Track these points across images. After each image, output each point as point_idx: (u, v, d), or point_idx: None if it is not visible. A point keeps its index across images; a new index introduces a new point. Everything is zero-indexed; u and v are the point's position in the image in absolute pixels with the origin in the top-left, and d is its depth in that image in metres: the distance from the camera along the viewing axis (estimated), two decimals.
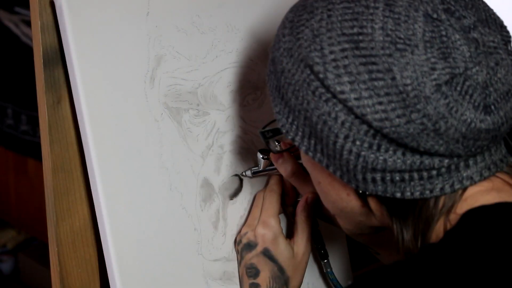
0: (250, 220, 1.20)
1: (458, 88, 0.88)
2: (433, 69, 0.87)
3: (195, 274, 1.16)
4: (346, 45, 0.89)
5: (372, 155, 0.90)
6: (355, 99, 0.88)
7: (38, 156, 2.60)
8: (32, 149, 2.78)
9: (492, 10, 0.93)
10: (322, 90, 0.90)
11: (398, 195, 0.92)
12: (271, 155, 1.17)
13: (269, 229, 1.16)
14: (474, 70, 0.88)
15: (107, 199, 1.07)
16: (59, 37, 1.07)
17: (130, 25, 1.10)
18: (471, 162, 0.92)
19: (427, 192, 0.92)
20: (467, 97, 0.88)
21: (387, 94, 0.88)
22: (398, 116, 0.88)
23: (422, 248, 0.93)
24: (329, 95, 0.90)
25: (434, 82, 0.87)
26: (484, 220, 0.91)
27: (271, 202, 1.18)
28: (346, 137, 0.90)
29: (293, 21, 0.95)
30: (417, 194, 0.92)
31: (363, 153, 0.90)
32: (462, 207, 0.93)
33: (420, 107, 0.87)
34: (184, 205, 1.15)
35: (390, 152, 0.90)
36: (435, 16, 0.89)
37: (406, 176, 0.91)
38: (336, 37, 0.90)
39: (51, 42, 1.07)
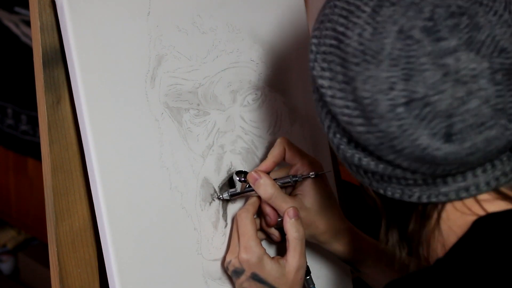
0: (231, 247, 1.17)
1: (415, 112, 0.84)
2: (391, 88, 0.84)
3: (195, 273, 1.16)
4: (334, 42, 0.88)
5: (349, 151, 0.91)
6: (330, 96, 0.89)
7: (38, 156, 2.60)
8: (32, 149, 2.78)
9: (507, 32, 0.85)
10: (312, 77, 0.91)
11: (381, 191, 0.92)
12: (248, 177, 1.16)
13: (251, 254, 1.14)
14: (435, 97, 0.83)
15: (107, 199, 1.06)
16: (59, 37, 1.07)
17: (131, 25, 1.10)
18: (449, 179, 0.90)
19: (406, 196, 0.91)
20: (424, 122, 0.84)
21: (353, 100, 0.87)
22: (360, 124, 0.87)
23: (436, 261, 0.91)
24: (316, 85, 0.91)
25: (389, 102, 0.85)
26: (496, 229, 0.89)
27: (246, 225, 1.15)
28: (329, 127, 0.92)
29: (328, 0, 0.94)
30: (397, 195, 0.91)
31: (341, 146, 0.91)
32: (470, 213, 0.91)
33: (375, 122, 0.86)
34: (184, 205, 1.15)
35: (366, 152, 0.90)
36: (409, 33, 0.84)
37: (385, 177, 0.91)
38: (330, 30, 0.89)
39: (51, 42, 1.07)
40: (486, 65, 0.83)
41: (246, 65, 1.22)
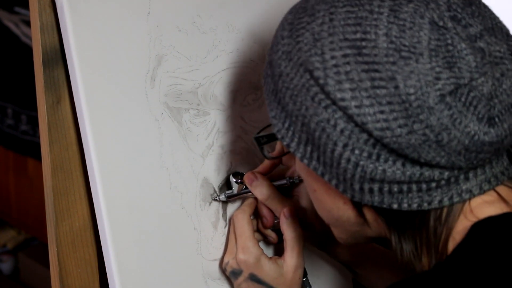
0: (229, 248, 1.17)
1: (463, 99, 0.85)
2: (438, 78, 0.85)
3: (195, 273, 1.16)
4: (348, 51, 0.86)
5: (371, 165, 0.88)
6: (356, 106, 0.86)
7: (38, 156, 2.60)
8: (32, 149, 2.78)
9: (498, 18, 0.91)
10: (321, 96, 0.88)
11: (395, 206, 0.90)
12: (245, 178, 1.16)
13: (249, 254, 1.14)
14: (479, 80, 0.86)
15: (107, 199, 1.07)
16: (59, 37, 1.07)
17: (131, 25, 1.10)
18: (471, 175, 0.90)
19: (425, 204, 0.89)
20: (471, 108, 0.85)
21: (389, 103, 0.85)
22: (399, 126, 0.85)
23: (435, 266, 0.90)
24: (328, 102, 0.87)
25: (438, 92, 0.85)
26: (494, 232, 0.89)
27: (243, 225, 1.15)
28: (345, 145, 0.88)
29: (292, 23, 0.92)
30: (414, 206, 0.89)
31: (361, 162, 0.88)
32: (468, 218, 0.91)
33: (423, 117, 0.85)
34: (184, 205, 1.15)
35: (390, 162, 0.87)
36: (441, 23, 0.86)
37: (405, 187, 0.89)
38: (338, 42, 0.87)
39: (51, 42, 1.07)
40: (505, 47, 0.88)
41: (246, 65, 1.22)
